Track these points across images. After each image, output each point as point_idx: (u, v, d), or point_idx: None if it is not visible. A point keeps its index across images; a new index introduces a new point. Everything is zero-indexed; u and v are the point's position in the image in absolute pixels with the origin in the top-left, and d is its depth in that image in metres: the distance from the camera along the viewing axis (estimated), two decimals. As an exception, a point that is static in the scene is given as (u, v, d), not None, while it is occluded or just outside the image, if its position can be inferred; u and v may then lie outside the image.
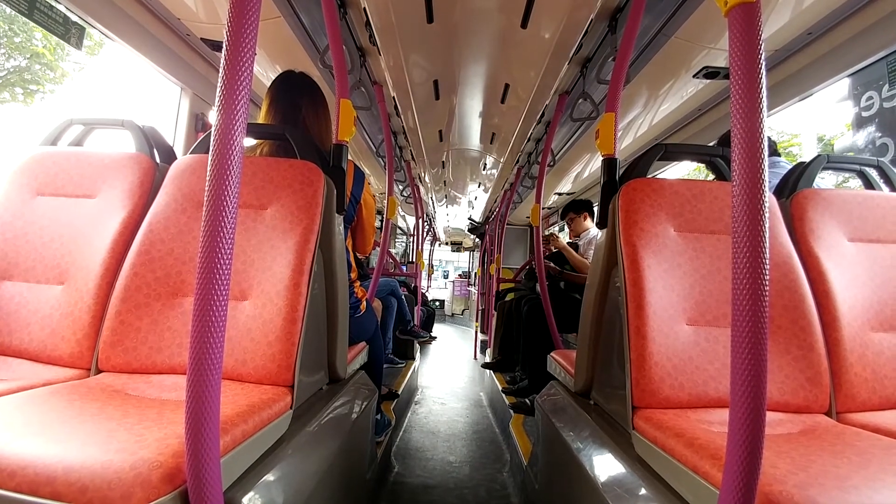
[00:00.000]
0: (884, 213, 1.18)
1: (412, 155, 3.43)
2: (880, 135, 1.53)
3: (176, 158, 1.24)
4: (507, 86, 2.07)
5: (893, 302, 1.10)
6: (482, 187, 4.49)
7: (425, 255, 7.08)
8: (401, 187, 3.99)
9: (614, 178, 1.25)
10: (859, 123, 1.59)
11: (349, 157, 1.31)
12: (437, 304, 10.23)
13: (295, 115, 1.29)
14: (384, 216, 2.69)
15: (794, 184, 1.24)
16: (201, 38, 1.82)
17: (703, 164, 1.29)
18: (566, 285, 2.77)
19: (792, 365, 1.01)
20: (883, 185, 1.28)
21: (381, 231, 2.86)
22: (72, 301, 1.07)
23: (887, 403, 1.03)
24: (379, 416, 1.92)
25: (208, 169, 0.54)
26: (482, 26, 1.60)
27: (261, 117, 1.31)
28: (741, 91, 0.54)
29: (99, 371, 1.00)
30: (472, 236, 8.77)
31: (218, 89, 0.55)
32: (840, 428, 0.91)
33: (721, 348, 1.01)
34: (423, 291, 5.46)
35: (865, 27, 1.36)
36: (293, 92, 1.31)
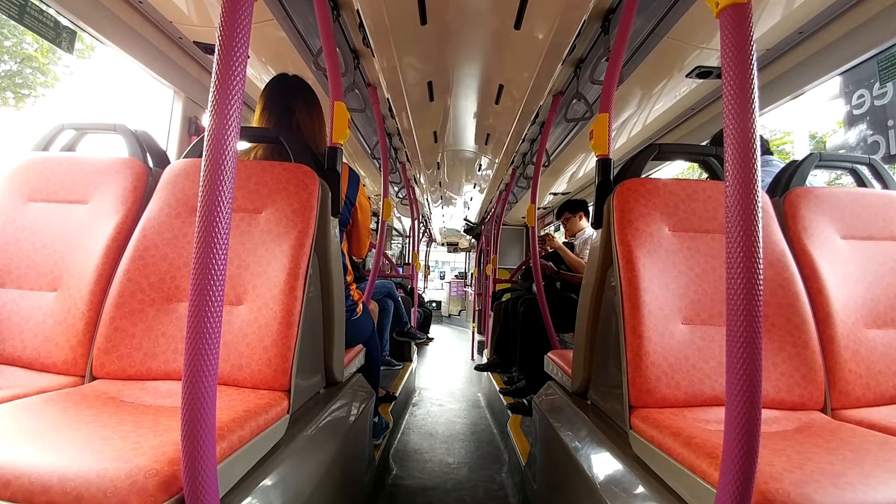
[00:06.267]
0: (876, 210, 1.19)
1: (407, 156, 3.43)
2: (872, 132, 1.54)
3: (169, 163, 1.23)
4: (501, 87, 2.07)
5: (886, 299, 1.11)
6: (477, 188, 4.50)
7: (421, 256, 7.08)
8: (396, 189, 3.98)
9: (609, 179, 1.25)
10: (851, 121, 1.60)
11: (344, 160, 1.31)
12: (434, 305, 10.23)
13: (289, 118, 1.29)
14: (380, 218, 2.68)
15: (787, 182, 1.25)
16: (194, 42, 1.81)
17: (696, 164, 1.29)
18: (562, 285, 2.78)
19: (787, 362, 1.01)
20: (875, 183, 1.29)
21: (376, 233, 2.86)
22: (65, 308, 1.06)
23: (881, 399, 1.04)
24: (376, 419, 1.91)
25: (202, 173, 0.53)
26: (475, 27, 1.60)
27: (254, 120, 1.31)
28: (733, 90, 0.54)
29: (93, 378, 0.99)
30: (469, 237, 8.77)
31: (211, 93, 0.55)
32: (835, 425, 0.91)
33: (716, 347, 1.02)
34: (420, 293, 5.45)
35: (856, 26, 1.38)
36: (287, 95, 1.31)
